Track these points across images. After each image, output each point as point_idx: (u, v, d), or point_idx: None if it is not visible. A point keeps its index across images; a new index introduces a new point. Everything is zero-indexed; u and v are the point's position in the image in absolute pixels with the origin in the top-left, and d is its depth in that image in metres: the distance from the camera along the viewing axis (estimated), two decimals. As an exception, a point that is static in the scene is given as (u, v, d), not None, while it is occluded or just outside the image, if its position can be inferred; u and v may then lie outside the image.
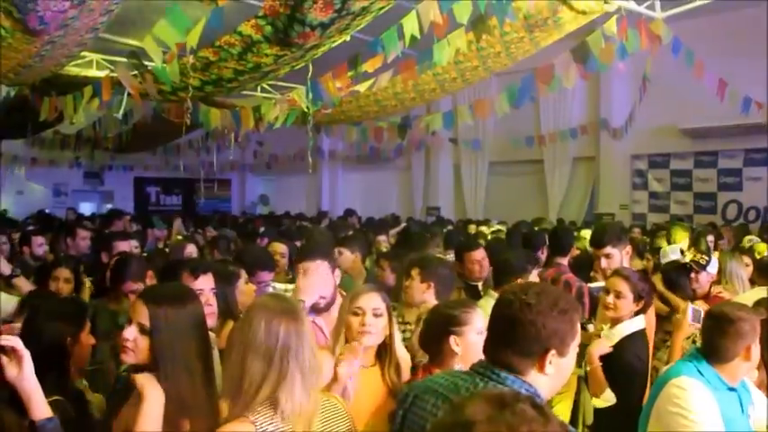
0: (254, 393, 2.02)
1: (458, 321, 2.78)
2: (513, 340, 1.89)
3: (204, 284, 2.96)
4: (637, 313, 3.65)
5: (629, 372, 3.47)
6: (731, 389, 2.72)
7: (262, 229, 9.66)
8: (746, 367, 2.74)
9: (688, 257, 5.24)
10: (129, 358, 2.23)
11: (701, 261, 5.05)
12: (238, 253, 4.91)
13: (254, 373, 2.03)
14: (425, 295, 3.93)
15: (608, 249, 4.38)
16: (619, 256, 4.36)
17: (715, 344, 2.72)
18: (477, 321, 2.77)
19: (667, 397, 2.65)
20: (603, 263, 4.38)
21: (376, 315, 2.85)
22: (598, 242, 4.50)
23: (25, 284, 3.90)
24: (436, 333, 2.81)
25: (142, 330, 2.19)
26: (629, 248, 4.55)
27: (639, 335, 3.63)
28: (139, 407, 2.10)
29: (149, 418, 2.09)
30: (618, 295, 3.61)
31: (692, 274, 5.03)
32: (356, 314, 2.86)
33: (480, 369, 1.95)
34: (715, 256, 5.32)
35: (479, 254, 5.18)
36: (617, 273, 3.75)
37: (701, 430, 2.53)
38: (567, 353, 1.91)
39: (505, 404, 1.11)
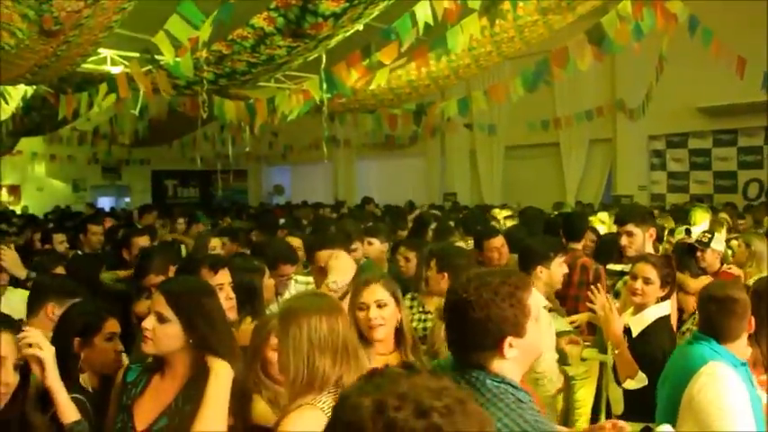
0: (325, 387, 2.12)
1: None
2: (467, 339, 1.91)
3: (224, 279, 2.98)
4: (662, 299, 3.64)
5: (654, 360, 3.42)
6: (743, 364, 2.76)
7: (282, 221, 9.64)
8: (746, 337, 2.80)
9: (694, 237, 5.23)
10: (148, 348, 2.28)
11: (703, 239, 5.03)
12: (260, 246, 4.91)
13: (325, 371, 2.13)
14: (442, 285, 3.95)
15: (629, 227, 4.36)
16: (641, 237, 4.34)
17: (725, 325, 2.74)
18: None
19: (700, 385, 2.63)
20: (624, 240, 4.38)
21: (380, 306, 2.89)
22: (621, 219, 4.52)
23: None
24: None
25: (161, 319, 2.24)
26: (652, 231, 4.51)
27: (664, 321, 3.62)
28: (209, 384, 2.17)
29: (222, 397, 2.17)
30: (647, 281, 3.59)
31: (698, 253, 5.02)
32: (361, 309, 2.91)
33: (457, 367, 1.98)
34: (719, 233, 5.27)
35: (498, 241, 5.17)
36: (645, 259, 3.71)
37: (736, 416, 2.54)
38: (525, 332, 1.90)
39: (375, 373, 1.15)
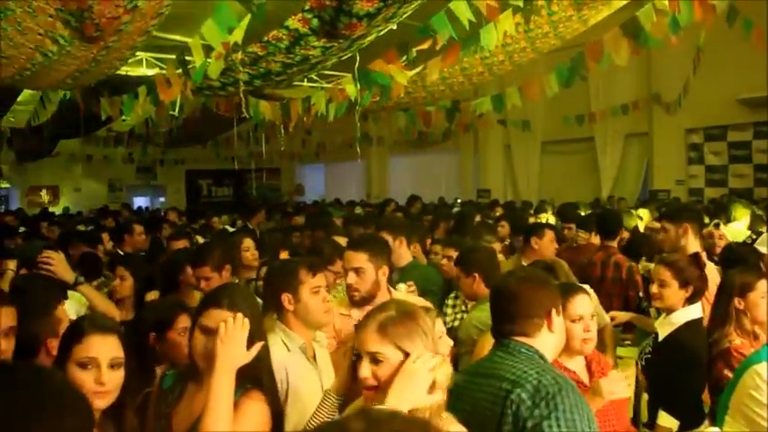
0: None
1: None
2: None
3: (322, 281, 2.87)
4: (690, 300, 3.45)
5: (686, 363, 3.28)
6: None
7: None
8: None
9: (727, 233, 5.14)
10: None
11: (746, 240, 4.93)
12: (313, 246, 4.97)
13: None
14: (475, 288, 3.90)
15: (663, 223, 4.39)
16: (673, 233, 4.28)
17: None
18: (577, 308, 2.73)
19: (746, 383, 2.60)
20: (661, 236, 4.42)
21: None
22: (660, 215, 4.53)
23: (89, 291, 3.91)
24: None
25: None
26: (686, 226, 4.43)
27: (694, 324, 3.40)
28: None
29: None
30: (662, 284, 3.44)
31: None
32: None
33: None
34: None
35: (548, 237, 5.16)
36: (661, 260, 3.61)
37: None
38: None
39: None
